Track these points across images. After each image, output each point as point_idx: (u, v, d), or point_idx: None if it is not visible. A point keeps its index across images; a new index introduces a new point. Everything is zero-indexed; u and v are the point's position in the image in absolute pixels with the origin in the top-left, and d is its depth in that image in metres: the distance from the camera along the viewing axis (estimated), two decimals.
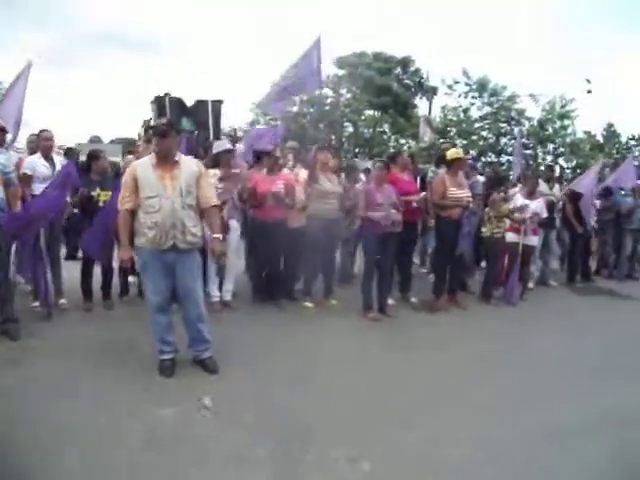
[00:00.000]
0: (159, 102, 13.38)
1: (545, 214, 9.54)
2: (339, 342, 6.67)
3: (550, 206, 10.35)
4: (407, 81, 36.96)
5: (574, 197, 11.12)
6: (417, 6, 71.10)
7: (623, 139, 38.23)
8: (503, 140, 29.73)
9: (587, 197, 10.77)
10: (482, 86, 29.81)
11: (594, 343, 7.19)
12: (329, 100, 35.15)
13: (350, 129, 34.56)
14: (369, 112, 35.07)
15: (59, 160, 8.06)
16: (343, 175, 9.36)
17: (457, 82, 30.34)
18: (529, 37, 69.69)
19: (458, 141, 30.38)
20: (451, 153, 8.70)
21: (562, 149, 28.63)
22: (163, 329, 5.46)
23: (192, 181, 5.25)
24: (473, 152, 28.84)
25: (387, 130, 35.78)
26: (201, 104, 13.67)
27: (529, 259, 9.63)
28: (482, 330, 7.64)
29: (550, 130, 29.29)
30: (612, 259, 12.54)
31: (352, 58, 36.13)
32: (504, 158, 29.25)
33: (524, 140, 29.66)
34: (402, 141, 34.30)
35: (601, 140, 37.72)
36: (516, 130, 25.70)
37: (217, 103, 13.95)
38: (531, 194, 9.54)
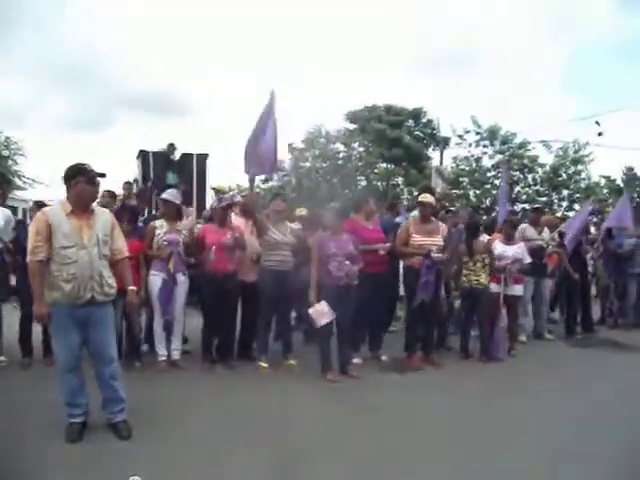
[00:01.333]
0: (144, 157, 13.14)
1: (528, 259, 8.77)
2: (282, 406, 6.01)
3: (538, 252, 9.61)
4: (419, 133, 36.44)
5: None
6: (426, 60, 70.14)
7: None
8: (517, 188, 28.97)
9: (570, 237, 9.98)
10: (492, 134, 29.29)
11: (581, 406, 6.35)
12: (341, 155, 35.04)
13: (363, 183, 34.13)
14: (382, 165, 34.65)
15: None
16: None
17: (467, 131, 29.93)
18: (545, 81, 68.75)
19: (471, 191, 29.87)
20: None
21: (577, 195, 27.74)
22: (73, 390, 4.93)
23: (108, 230, 4.96)
24: (487, 201, 28.22)
25: (400, 182, 35.34)
26: (186, 157, 13.44)
27: (515, 310, 8.86)
28: (454, 393, 6.79)
29: (564, 176, 28.54)
30: (616, 306, 11.69)
31: (363, 112, 35.87)
32: (519, 206, 28.38)
33: (538, 187, 29.16)
34: (415, 193, 33.71)
35: (621, 184, 37.08)
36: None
37: (202, 156, 13.72)
38: (509, 239, 8.81)
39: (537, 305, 10.08)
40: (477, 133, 29.60)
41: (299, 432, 5.23)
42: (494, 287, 8.62)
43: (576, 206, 27.32)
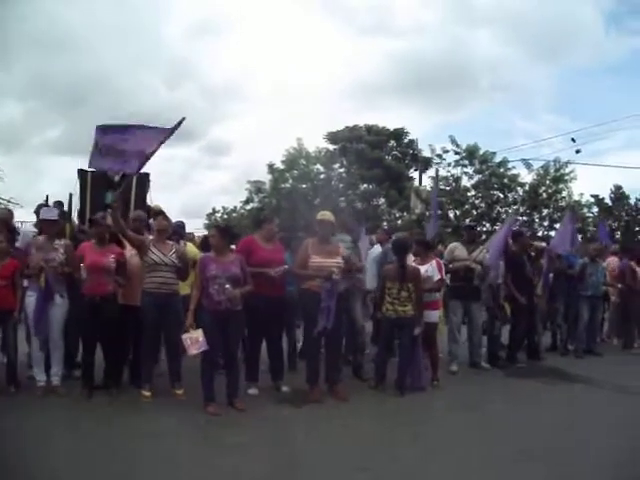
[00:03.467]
0: (82, 176, 12.59)
1: (437, 277, 8.00)
2: (129, 441, 5.50)
3: (468, 273, 8.84)
4: (397, 153, 35.81)
5: (511, 263, 9.58)
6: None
7: (632, 201, 37.09)
8: (497, 208, 28.22)
9: (493, 254, 9.18)
10: (471, 154, 28.51)
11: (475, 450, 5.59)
12: (322, 175, 34.40)
13: (343, 204, 33.43)
14: (364, 186, 33.98)
15: None
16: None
17: (446, 151, 29.11)
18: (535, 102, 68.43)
19: (451, 212, 29.14)
20: (319, 215, 7.37)
21: (558, 213, 26.99)
22: None
23: None
24: (467, 222, 27.47)
25: (381, 203, 34.67)
26: (126, 178, 12.90)
27: (432, 338, 8.04)
28: (333, 432, 6.08)
29: (544, 195, 27.80)
30: (564, 331, 10.93)
31: (344, 133, 35.28)
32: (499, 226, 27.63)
33: (518, 206, 28.41)
34: (397, 214, 33.06)
35: (610, 203, 36.46)
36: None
37: (143, 176, 13.17)
38: (422, 259, 8.08)
39: (470, 330, 9.29)
40: (456, 153, 28.81)
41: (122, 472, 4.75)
42: (432, 315, 7.99)
43: (557, 225, 26.51)
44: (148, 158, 6.93)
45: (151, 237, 7.19)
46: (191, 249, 8.12)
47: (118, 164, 7.11)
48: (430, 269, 7.93)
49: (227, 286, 6.40)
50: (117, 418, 6.17)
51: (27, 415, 6.06)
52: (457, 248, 9.22)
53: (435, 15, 72.88)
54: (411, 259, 8.04)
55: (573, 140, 24.16)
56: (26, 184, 58.84)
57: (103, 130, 6.96)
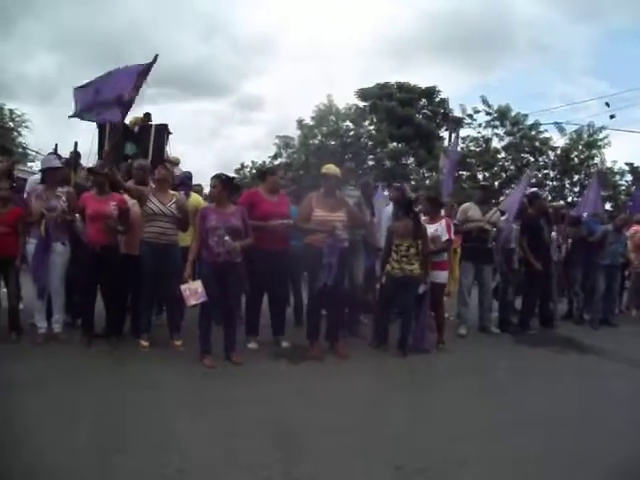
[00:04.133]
0: (100, 127, 12.52)
1: (445, 237, 7.74)
2: (136, 391, 5.41)
3: (481, 234, 8.59)
4: (428, 112, 35.14)
5: (527, 227, 9.29)
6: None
7: None
8: (527, 171, 27.68)
9: (509, 216, 8.91)
10: (503, 115, 27.96)
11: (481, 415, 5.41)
12: (351, 133, 34.00)
13: (371, 162, 33.09)
14: (392, 144, 33.49)
15: None
16: None
17: (477, 111, 28.61)
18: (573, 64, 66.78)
19: (480, 174, 28.71)
20: (324, 169, 7.12)
21: (589, 180, 26.43)
22: None
23: None
24: (497, 184, 27.05)
25: (410, 162, 34.20)
26: (144, 129, 12.83)
27: (438, 299, 7.84)
28: (341, 391, 5.90)
29: (576, 160, 27.19)
30: (580, 300, 10.63)
31: (375, 90, 34.68)
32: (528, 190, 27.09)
33: (549, 171, 27.87)
34: (426, 173, 32.59)
35: None
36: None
37: (160, 127, 13.11)
38: (432, 218, 7.83)
39: (480, 294, 9.05)
40: (487, 113, 28.27)
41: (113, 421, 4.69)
42: (440, 276, 7.77)
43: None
44: (130, 102, 6.85)
45: (153, 186, 7.03)
46: (195, 200, 7.97)
47: (101, 116, 7.06)
48: (440, 229, 7.69)
49: (226, 238, 6.25)
50: (114, 367, 6.13)
51: (26, 362, 6.02)
52: (470, 208, 8.92)
53: None
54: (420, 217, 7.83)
55: (607, 104, 23.38)
56: (58, 136, 58.98)
57: (79, 90, 6.90)
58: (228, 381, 5.97)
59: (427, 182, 29.37)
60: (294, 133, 34.64)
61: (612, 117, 23.87)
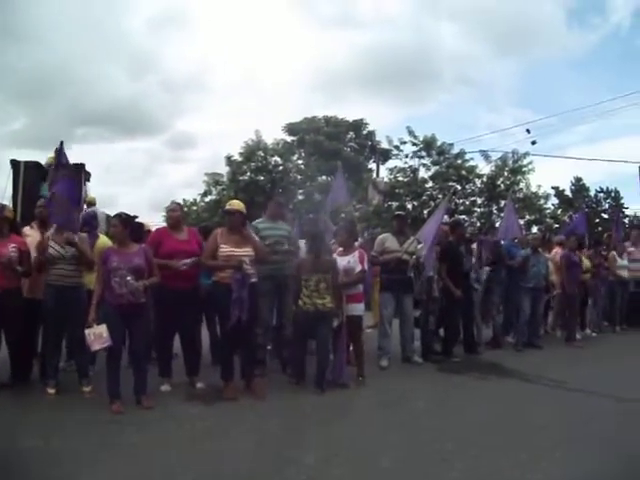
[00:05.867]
0: (15, 167, 12.18)
1: (359, 267, 7.59)
2: (34, 440, 5.18)
3: (400, 265, 8.50)
4: (354, 145, 35.40)
5: (447, 254, 9.26)
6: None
7: (592, 193, 37.45)
8: (455, 199, 28.00)
9: (427, 245, 8.87)
10: (429, 145, 28.23)
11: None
12: (280, 167, 33.97)
13: (301, 196, 33.09)
14: (322, 178, 33.57)
15: None
16: None
17: (404, 142, 28.78)
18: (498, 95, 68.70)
19: (409, 203, 28.87)
20: (227, 205, 7.21)
21: (516, 205, 26.87)
22: None
23: None
24: (425, 213, 27.23)
25: None
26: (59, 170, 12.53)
27: (355, 332, 7.68)
28: (252, 433, 5.68)
29: (502, 186, 27.62)
30: (498, 325, 10.64)
31: (302, 124, 34.81)
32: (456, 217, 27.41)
33: (476, 198, 28.24)
34: (355, 205, 32.68)
35: (570, 195, 36.73)
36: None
37: (77, 167, 12.85)
38: (346, 249, 7.71)
39: (401, 324, 8.93)
40: (414, 144, 28.53)
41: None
42: (356, 308, 7.65)
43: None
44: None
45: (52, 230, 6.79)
46: (104, 242, 7.69)
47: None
48: (352, 260, 7.56)
49: (128, 278, 6.08)
50: (18, 416, 5.87)
51: None
52: (387, 239, 8.84)
53: (400, 8, 72.44)
54: (335, 249, 7.71)
55: (528, 131, 24.05)
56: None
57: None
58: (135, 426, 5.68)
59: (356, 214, 29.41)
60: (224, 170, 34.43)
61: (534, 143, 24.48)
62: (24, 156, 9.73)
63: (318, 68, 68.39)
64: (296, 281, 7.36)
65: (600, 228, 29.38)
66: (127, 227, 6.40)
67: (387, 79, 66.32)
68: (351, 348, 7.85)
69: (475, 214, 28.33)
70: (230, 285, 6.56)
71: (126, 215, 6.58)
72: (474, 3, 66.32)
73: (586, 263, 11.50)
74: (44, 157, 11.70)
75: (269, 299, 7.66)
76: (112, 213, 8.43)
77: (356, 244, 8.24)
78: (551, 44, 67.92)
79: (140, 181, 70.06)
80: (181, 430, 5.65)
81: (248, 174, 33.33)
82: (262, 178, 32.91)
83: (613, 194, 38.91)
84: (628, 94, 48.21)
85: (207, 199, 35.58)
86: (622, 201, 37.91)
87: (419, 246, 8.86)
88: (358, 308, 7.67)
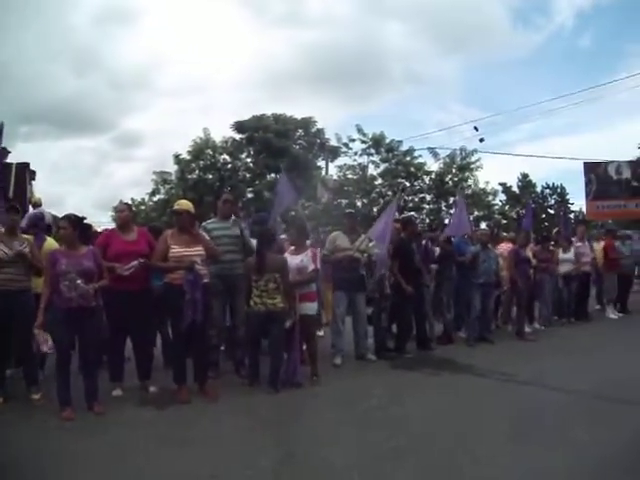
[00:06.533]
0: None
1: (311, 267, 7.59)
2: None
3: (352, 263, 8.50)
4: (304, 142, 35.26)
5: (399, 251, 9.28)
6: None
7: (538, 189, 38.20)
8: (403, 196, 28.27)
9: (380, 243, 8.89)
10: (377, 142, 28.49)
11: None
12: (229, 166, 33.82)
13: (250, 194, 32.95)
14: (271, 176, 33.47)
15: None
16: None
17: (353, 140, 29.03)
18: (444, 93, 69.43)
19: (358, 200, 29.06)
20: (175, 205, 7.13)
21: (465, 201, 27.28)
22: None
23: None
24: (375, 210, 27.41)
25: None
26: (6, 167, 12.35)
27: (309, 331, 7.66)
28: (204, 437, 5.58)
29: (450, 183, 28.01)
30: (448, 320, 10.70)
31: (251, 122, 34.57)
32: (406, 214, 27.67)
33: (425, 195, 28.56)
34: (305, 203, 32.69)
35: (517, 191, 37.38)
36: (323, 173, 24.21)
37: (22, 166, 12.71)
38: (297, 248, 7.72)
39: (354, 322, 8.94)
40: (362, 142, 28.73)
41: None
42: (309, 307, 7.59)
43: None
44: None
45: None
46: (51, 245, 7.52)
47: None
48: (305, 259, 7.54)
49: (78, 281, 5.94)
50: None
51: None
52: (338, 237, 8.86)
53: (347, 6, 72.59)
54: (287, 247, 7.71)
55: (476, 129, 24.39)
56: None
57: None
58: (84, 433, 5.58)
59: (306, 212, 29.41)
60: (172, 168, 34.11)
61: (481, 140, 24.86)
62: None
63: (266, 66, 67.98)
64: (246, 281, 7.29)
65: (547, 223, 29.96)
66: (76, 229, 6.26)
67: (335, 77, 66.41)
68: (304, 347, 7.76)
69: (424, 211, 28.71)
70: (182, 286, 6.48)
71: (75, 216, 6.44)
72: (419, 2, 66.76)
73: (531, 257, 11.61)
74: None
75: (221, 299, 7.57)
76: (59, 213, 8.29)
77: (308, 243, 8.16)
78: (496, 43, 68.84)
79: (87, 180, 69.12)
80: (134, 436, 5.56)
81: (197, 172, 33.29)
82: (211, 176, 32.94)
83: (559, 190, 39.81)
84: (571, 93, 49.61)
85: (155, 198, 35.47)
86: (567, 197, 38.81)
87: (370, 244, 8.86)
88: (311, 307, 7.63)
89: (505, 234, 14.82)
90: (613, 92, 61.11)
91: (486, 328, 10.83)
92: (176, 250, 6.60)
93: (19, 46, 71.76)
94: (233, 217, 7.98)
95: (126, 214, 7.18)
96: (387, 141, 28.85)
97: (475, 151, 27.65)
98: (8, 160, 12.64)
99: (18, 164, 12.67)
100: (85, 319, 6.07)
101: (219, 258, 7.20)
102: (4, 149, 12.61)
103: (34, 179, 12.92)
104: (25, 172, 12.67)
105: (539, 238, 13.20)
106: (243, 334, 7.61)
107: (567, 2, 79.98)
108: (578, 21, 71.59)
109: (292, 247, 7.86)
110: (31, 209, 11.38)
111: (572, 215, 33.61)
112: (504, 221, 29.74)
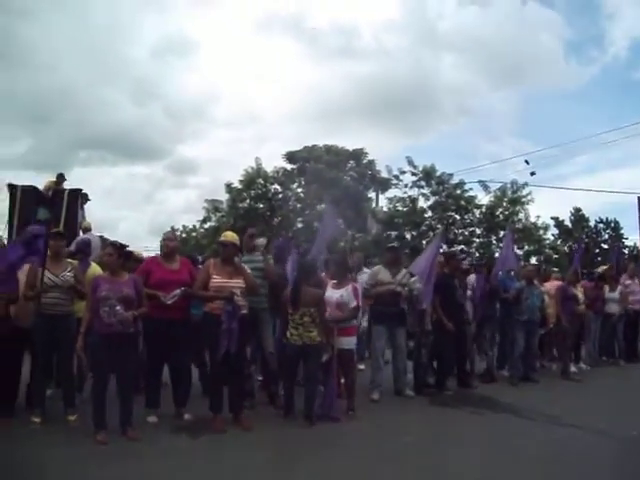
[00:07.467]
0: (12, 191, 12.30)
1: (354, 303, 7.56)
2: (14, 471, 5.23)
3: (394, 297, 8.45)
4: (353, 174, 35.29)
5: (441, 286, 9.19)
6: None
7: (592, 223, 37.58)
8: (453, 229, 28.09)
9: (422, 277, 8.80)
10: (428, 174, 28.41)
11: None
12: (280, 195, 34.03)
13: (300, 224, 33.06)
14: (321, 206, 33.56)
15: None
16: None
17: (403, 172, 29.02)
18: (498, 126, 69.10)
19: (408, 233, 28.95)
20: (222, 236, 7.20)
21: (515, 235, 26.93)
22: None
23: None
24: (424, 243, 27.25)
25: (339, 224, 34.25)
26: (57, 193, 12.63)
27: (348, 365, 7.63)
28: (238, 467, 5.63)
29: (500, 217, 27.73)
30: (490, 358, 10.51)
31: (303, 152, 34.82)
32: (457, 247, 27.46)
33: (475, 228, 28.31)
34: (355, 234, 32.68)
35: (570, 225, 36.82)
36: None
37: (74, 192, 12.93)
38: (339, 282, 7.67)
39: (394, 357, 8.87)
40: (413, 174, 28.69)
41: None
42: (347, 342, 7.57)
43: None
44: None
45: None
46: (95, 270, 7.67)
47: None
48: (345, 294, 7.52)
49: (117, 307, 6.05)
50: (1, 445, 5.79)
51: None
52: (380, 271, 8.82)
53: (399, 39, 72.83)
54: (328, 282, 7.73)
55: (527, 162, 24.16)
56: None
57: None
58: (116, 458, 5.64)
59: (356, 243, 29.38)
60: (224, 197, 34.50)
61: (532, 174, 24.59)
62: (26, 178, 9.77)
63: (319, 98, 68.53)
64: (282, 313, 7.33)
65: (600, 258, 29.38)
66: (121, 256, 6.43)
67: (387, 109, 66.31)
68: (342, 381, 7.72)
69: (474, 244, 28.43)
70: (220, 316, 6.54)
71: (121, 244, 6.62)
72: (472, 35, 66.41)
73: (579, 295, 11.36)
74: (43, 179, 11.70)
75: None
76: (112, 238, 8.44)
77: (350, 276, 8.15)
78: (549, 75, 68.25)
79: (140, 206, 70.45)
80: (166, 464, 5.60)
81: (248, 201, 33.43)
82: (261, 206, 33.07)
83: (612, 224, 39.06)
84: (625, 126, 48.77)
85: (206, 225, 35.71)
86: (621, 231, 38.05)
87: (412, 279, 8.81)
88: (349, 341, 7.61)
89: (556, 269, 14.55)
90: None
91: (530, 367, 10.58)
92: (217, 280, 6.68)
93: (82, 73, 73.86)
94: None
95: (175, 244, 7.30)
96: (438, 174, 28.66)
97: (526, 184, 27.27)
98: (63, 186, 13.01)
99: (70, 190, 12.90)
100: (123, 345, 6.17)
101: (257, 292, 7.22)
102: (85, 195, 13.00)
103: (86, 203, 13.17)
104: (77, 197, 12.89)
105: (591, 275, 12.94)
106: (276, 366, 7.62)
107: (621, 33, 78.94)
108: (632, 52, 70.47)
109: (334, 281, 7.81)
110: (81, 234, 11.62)
111: (626, 250, 32.97)
112: (555, 256, 29.22)
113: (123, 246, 6.74)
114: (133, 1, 79.62)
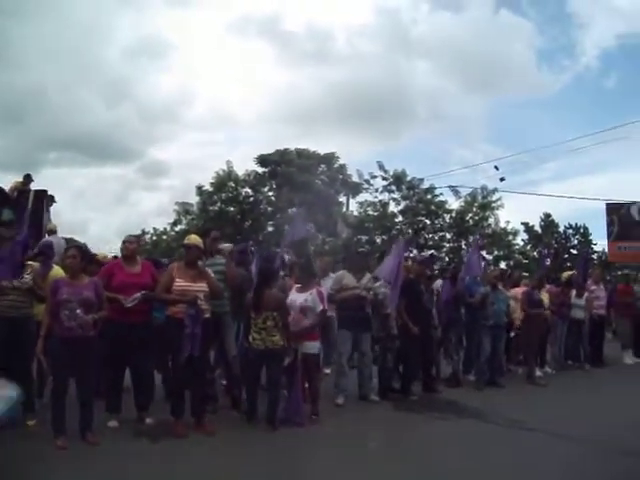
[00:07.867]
0: None
1: (319, 307, 7.53)
2: None
3: (358, 302, 8.45)
4: (324, 178, 35.38)
5: (407, 291, 9.21)
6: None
7: (561, 229, 37.94)
8: (424, 234, 28.23)
9: (389, 282, 8.84)
10: (399, 179, 28.51)
11: None
12: (251, 199, 33.98)
13: (271, 228, 33.06)
14: (292, 210, 33.57)
15: None
16: None
17: (374, 176, 29.09)
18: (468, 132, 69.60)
19: (378, 237, 29.03)
20: (186, 239, 7.15)
21: (485, 240, 27.14)
22: None
23: None
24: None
25: (309, 228, 34.27)
26: (22, 194, 12.46)
27: (313, 369, 7.64)
28: (193, 472, 5.61)
29: (470, 222, 27.92)
30: (456, 362, 10.57)
31: (274, 156, 34.80)
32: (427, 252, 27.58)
33: (445, 233, 28.47)
34: (325, 238, 32.70)
35: (539, 231, 37.14)
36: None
37: (40, 193, 12.77)
38: (303, 286, 7.66)
39: (359, 362, 8.86)
40: (384, 178, 28.79)
41: None
42: (311, 346, 7.54)
43: (482, 252, 26.59)
44: None
45: None
46: (57, 272, 7.56)
47: None
48: (310, 298, 7.48)
49: (78, 311, 5.97)
50: None
51: None
52: (345, 276, 8.80)
53: (372, 45, 72.92)
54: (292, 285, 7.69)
55: (496, 168, 24.41)
56: None
57: None
58: (78, 463, 5.58)
59: (326, 247, 29.40)
60: (194, 199, 34.37)
61: (502, 180, 24.90)
62: None
63: (292, 102, 68.30)
64: (245, 318, 7.30)
65: (569, 264, 29.69)
66: (84, 259, 6.34)
67: (359, 114, 66.33)
68: (307, 386, 7.70)
69: (444, 249, 28.59)
70: (183, 320, 6.49)
71: (85, 246, 6.54)
72: (446, 41, 66.77)
73: (545, 300, 11.46)
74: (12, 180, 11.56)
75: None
76: (82, 240, 8.32)
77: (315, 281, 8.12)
78: (521, 82, 68.62)
79: (111, 208, 69.80)
80: (124, 468, 5.54)
81: (218, 204, 33.31)
82: (232, 209, 32.95)
83: (582, 230, 39.48)
84: (595, 132, 49.50)
85: (177, 228, 35.49)
86: (590, 237, 38.51)
87: (377, 283, 8.82)
88: (313, 346, 7.58)
89: (526, 274, 14.68)
90: (639, 131, 60.57)
91: (497, 371, 10.63)
92: (180, 284, 6.63)
93: (53, 73, 72.95)
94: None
95: (134, 246, 7.21)
96: (408, 178, 28.78)
97: (496, 190, 27.49)
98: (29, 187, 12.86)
99: (36, 191, 12.74)
100: (83, 349, 6.06)
101: (220, 296, 7.18)
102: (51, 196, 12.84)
103: (51, 205, 13.02)
104: (43, 199, 12.73)
105: (557, 280, 13.06)
106: (239, 370, 7.58)
107: (592, 43, 79.89)
108: (603, 62, 71.28)
109: (298, 285, 7.79)
110: (47, 236, 11.48)
111: (595, 256, 33.39)
112: (525, 261, 29.51)
113: (86, 248, 6.64)
114: (107, 2, 78.63)
